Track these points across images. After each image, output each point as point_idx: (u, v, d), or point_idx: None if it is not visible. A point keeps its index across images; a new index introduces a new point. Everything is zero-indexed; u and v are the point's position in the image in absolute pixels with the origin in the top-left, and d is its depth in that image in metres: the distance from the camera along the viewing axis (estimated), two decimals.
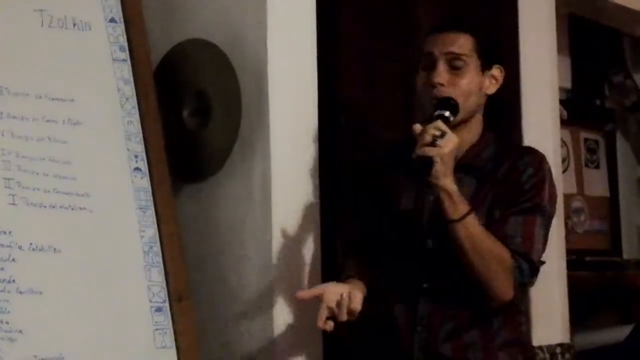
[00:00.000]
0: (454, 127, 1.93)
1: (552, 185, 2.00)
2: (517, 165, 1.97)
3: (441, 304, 1.96)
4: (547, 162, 2.01)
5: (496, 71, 2.04)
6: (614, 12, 3.91)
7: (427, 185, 1.89)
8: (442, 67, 1.97)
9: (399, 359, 2.00)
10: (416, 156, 1.84)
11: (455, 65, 1.98)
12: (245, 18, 2.35)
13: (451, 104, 1.94)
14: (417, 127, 1.87)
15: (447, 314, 1.96)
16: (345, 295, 1.90)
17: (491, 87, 2.04)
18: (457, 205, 1.85)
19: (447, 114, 1.92)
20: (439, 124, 1.87)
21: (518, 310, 2.02)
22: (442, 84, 1.96)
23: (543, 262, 2.00)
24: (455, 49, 1.98)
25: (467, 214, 1.86)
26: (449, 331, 1.95)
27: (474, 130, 2.04)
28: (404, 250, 2.02)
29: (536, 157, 2.00)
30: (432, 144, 1.82)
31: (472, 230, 1.86)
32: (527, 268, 1.91)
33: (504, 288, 1.89)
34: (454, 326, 1.95)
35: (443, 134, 1.84)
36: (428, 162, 1.83)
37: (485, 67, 2.01)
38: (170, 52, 2.45)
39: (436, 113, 1.92)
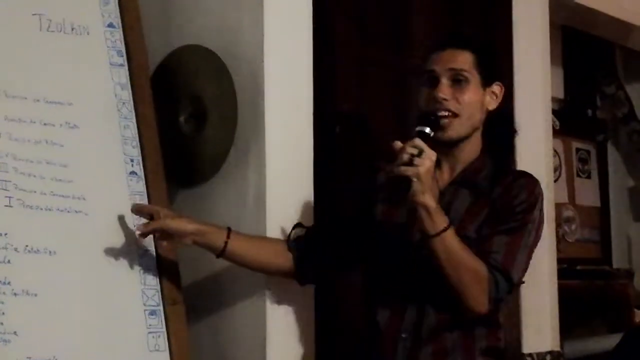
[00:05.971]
0: (456, 143, 2.01)
1: (541, 211, 2.03)
2: (511, 187, 2.00)
3: (427, 311, 1.98)
4: (541, 188, 2.04)
5: (496, 87, 2.08)
6: (607, 23, 3.93)
7: (406, 202, 1.90)
8: (445, 82, 2.01)
9: None
10: (393, 175, 1.86)
11: (457, 80, 2.01)
12: (242, 25, 2.36)
13: (431, 120, 1.96)
14: (397, 144, 1.89)
15: (431, 318, 1.98)
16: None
17: (492, 103, 2.07)
18: (434, 221, 1.88)
19: (427, 130, 1.94)
20: (417, 141, 1.88)
21: (497, 322, 2.04)
22: (445, 99, 1.99)
23: (523, 282, 2.02)
24: (456, 65, 2.01)
25: (444, 229, 1.89)
26: (431, 333, 1.97)
27: (474, 146, 2.07)
28: (392, 260, 2.04)
29: (530, 182, 2.03)
30: (410, 162, 1.85)
31: (448, 244, 1.89)
32: (504, 283, 1.94)
33: (478, 300, 1.92)
34: (436, 328, 1.97)
35: (420, 152, 1.86)
36: (406, 181, 1.85)
37: (485, 83, 2.05)
38: (167, 58, 2.46)
39: (416, 129, 1.94)
